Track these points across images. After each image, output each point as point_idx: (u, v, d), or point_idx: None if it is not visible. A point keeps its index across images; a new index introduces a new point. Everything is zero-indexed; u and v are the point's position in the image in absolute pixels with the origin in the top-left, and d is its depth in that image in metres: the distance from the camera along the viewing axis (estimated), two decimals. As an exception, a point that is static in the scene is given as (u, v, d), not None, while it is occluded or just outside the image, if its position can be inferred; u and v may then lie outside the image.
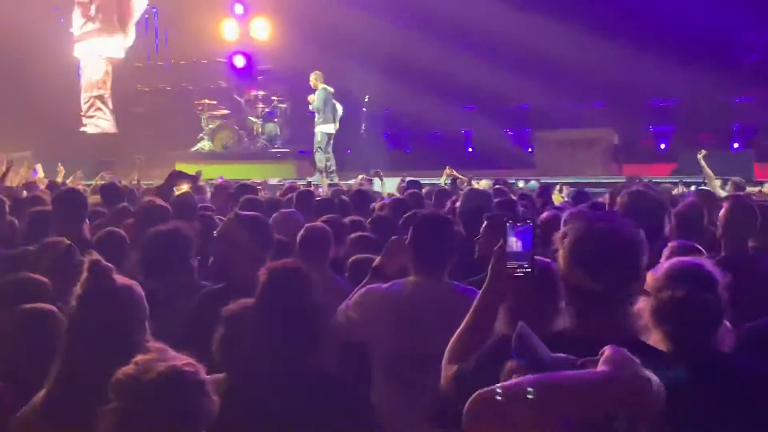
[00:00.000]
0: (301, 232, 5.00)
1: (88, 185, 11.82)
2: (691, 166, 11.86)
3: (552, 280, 2.77)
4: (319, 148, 17.25)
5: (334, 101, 17.39)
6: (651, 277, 2.74)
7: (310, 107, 17.46)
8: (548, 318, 2.81)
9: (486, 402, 1.90)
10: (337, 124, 17.54)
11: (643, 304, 2.68)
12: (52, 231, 5.47)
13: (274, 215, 5.81)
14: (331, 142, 17.45)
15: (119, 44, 22.64)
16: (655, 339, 2.66)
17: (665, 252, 4.03)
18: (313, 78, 17.32)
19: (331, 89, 17.32)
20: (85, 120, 22.39)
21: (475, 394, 1.93)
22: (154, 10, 22.40)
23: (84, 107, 22.44)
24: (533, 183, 12.61)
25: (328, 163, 17.23)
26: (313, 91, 17.41)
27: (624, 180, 11.09)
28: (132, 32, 22.71)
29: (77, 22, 22.42)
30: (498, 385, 1.91)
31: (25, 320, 3.34)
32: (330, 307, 3.89)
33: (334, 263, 5.06)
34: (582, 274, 2.51)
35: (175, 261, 4.48)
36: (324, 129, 17.30)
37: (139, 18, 22.78)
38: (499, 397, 1.87)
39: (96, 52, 22.56)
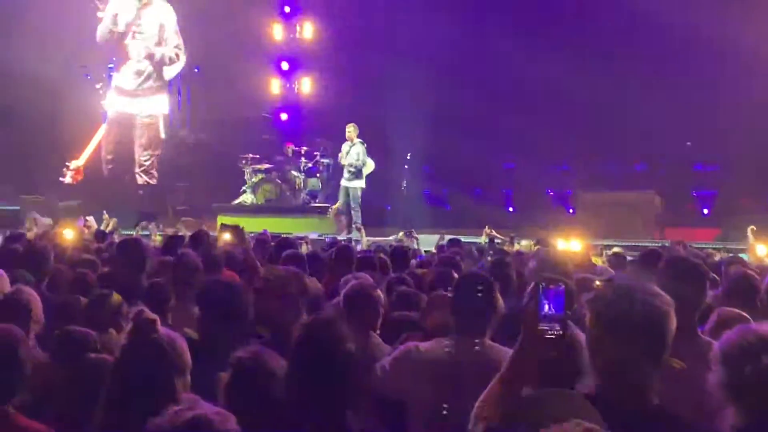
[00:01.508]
0: (348, 290, 4.91)
1: (128, 235, 12.01)
2: (734, 231, 11.73)
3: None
4: (358, 204, 17.36)
5: (367, 156, 17.56)
6: (720, 349, 2.72)
7: (346, 160, 17.49)
8: (571, 379, 2.80)
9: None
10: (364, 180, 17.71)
11: (713, 378, 2.65)
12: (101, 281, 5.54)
13: (344, 278, 5.76)
14: None
15: (165, 101, 23.11)
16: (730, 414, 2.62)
17: (712, 319, 4.00)
18: (353, 130, 17.37)
19: (365, 143, 17.47)
20: (144, 176, 22.76)
21: None
22: (196, 70, 22.85)
23: (146, 163, 22.81)
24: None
25: (359, 220, 17.35)
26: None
27: (662, 244, 11.00)
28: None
29: (128, 78, 22.88)
30: None
31: (74, 370, 3.40)
32: (370, 365, 3.91)
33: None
34: (609, 342, 2.51)
35: (231, 312, 4.50)
36: (361, 184, 17.43)
37: (185, 74, 23.21)
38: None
39: (149, 110, 23.00)
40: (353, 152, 17.26)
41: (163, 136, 22.92)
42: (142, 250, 6.06)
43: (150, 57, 22.73)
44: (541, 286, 2.65)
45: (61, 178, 21.97)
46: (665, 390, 2.63)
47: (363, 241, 13.83)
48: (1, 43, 19.91)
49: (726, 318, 3.98)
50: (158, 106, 23.01)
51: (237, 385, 3.20)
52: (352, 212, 17.40)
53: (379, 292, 4.99)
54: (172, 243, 7.85)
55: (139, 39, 22.73)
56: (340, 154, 17.74)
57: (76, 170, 22.32)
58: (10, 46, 19.88)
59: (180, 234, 10.40)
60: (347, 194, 17.50)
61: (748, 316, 4.01)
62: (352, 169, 17.32)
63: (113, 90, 22.83)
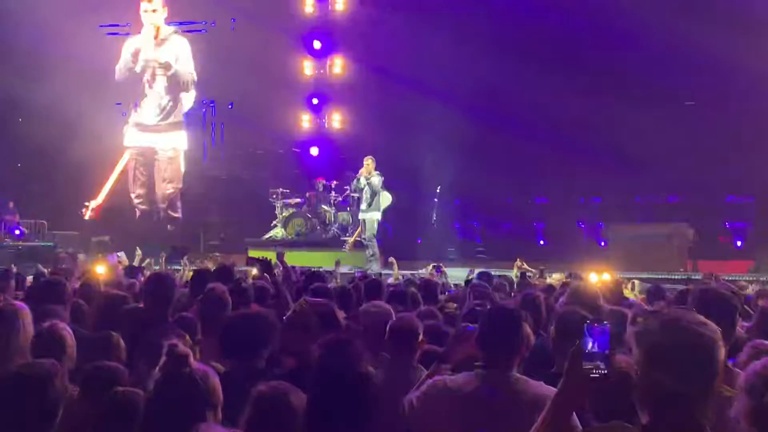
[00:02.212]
0: (391, 322, 4.97)
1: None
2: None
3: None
4: (374, 235, 17.47)
5: (384, 190, 17.64)
6: (744, 378, 2.70)
7: (354, 191, 17.70)
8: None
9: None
10: (381, 212, 17.77)
11: (737, 407, 2.64)
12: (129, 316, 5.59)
13: (363, 306, 5.79)
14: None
15: (184, 136, 23.41)
16: None
17: (746, 351, 3.96)
18: (370, 162, 17.49)
19: (382, 176, 17.55)
20: (169, 210, 22.99)
21: None
22: (230, 106, 23.11)
23: (170, 197, 23.06)
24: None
25: (376, 252, 17.42)
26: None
27: (699, 277, 10.91)
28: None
29: (149, 114, 23.20)
30: None
31: (104, 405, 3.42)
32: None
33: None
34: (660, 374, 2.50)
35: (253, 345, 4.53)
36: (377, 216, 17.52)
37: (218, 110, 23.53)
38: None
39: (171, 144, 23.28)
40: (371, 185, 17.37)
41: (182, 170, 23.17)
42: (170, 284, 6.10)
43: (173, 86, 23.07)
44: (586, 324, 2.65)
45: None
46: (718, 418, 2.61)
47: (394, 273, 13.86)
48: (33, 83, 20.32)
49: (760, 350, 3.94)
50: (178, 141, 23.27)
51: (257, 419, 3.22)
52: (368, 245, 17.50)
53: (416, 319, 5.02)
54: (199, 278, 7.90)
55: (158, 74, 23.05)
56: (352, 184, 17.90)
57: (94, 209, 22.63)
58: (43, 85, 20.29)
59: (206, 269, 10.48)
60: (364, 226, 17.67)
61: None
62: (370, 202, 17.41)
63: (134, 126, 23.16)
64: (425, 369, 4.67)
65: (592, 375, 2.60)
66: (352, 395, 3.12)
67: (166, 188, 23.08)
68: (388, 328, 4.88)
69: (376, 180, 17.35)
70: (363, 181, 17.49)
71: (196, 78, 23.18)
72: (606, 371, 2.59)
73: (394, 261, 14.60)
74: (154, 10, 23.11)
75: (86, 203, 22.61)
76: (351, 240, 18.56)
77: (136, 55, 23.06)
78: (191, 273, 11.88)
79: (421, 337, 4.81)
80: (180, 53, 23.13)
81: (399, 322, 4.93)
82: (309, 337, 4.20)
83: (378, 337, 4.85)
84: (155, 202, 23.12)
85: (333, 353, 3.23)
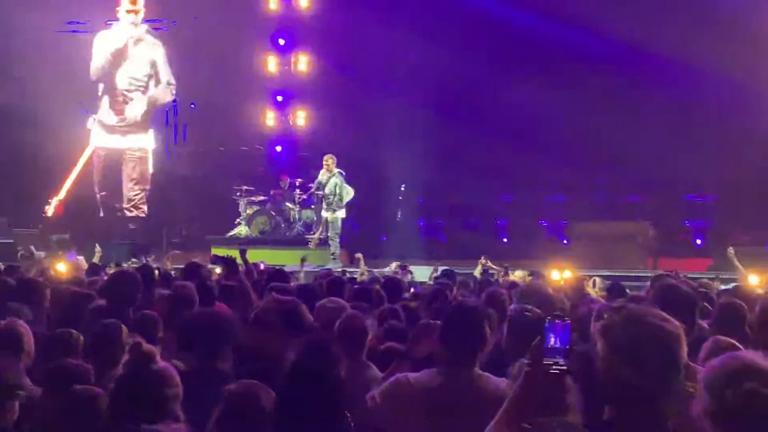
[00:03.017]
0: (339, 321, 5.00)
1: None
2: (726, 261, 11.78)
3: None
4: (337, 234, 17.48)
5: (346, 185, 17.65)
6: (704, 374, 2.73)
7: (317, 189, 17.71)
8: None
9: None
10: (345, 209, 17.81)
11: (698, 404, 2.66)
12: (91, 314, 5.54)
13: (319, 303, 5.82)
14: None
15: (152, 136, 23.24)
16: None
17: (706, 347, 4.02)
18: (331, 161, 17.50)
19: (344, 173, 17.55)
20: (133, 210, 22.80)
21: None
22: (192, 106, 22.98)
23: (136, 198, 22.87)
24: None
25: (337, 250, 17.45)
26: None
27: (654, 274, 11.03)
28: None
29: (117, 114, 23.01)
30: None
31: (70, 403, 3.40)
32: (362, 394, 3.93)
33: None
34: (623, 369, 2.52)
35: (212, 343, 4.52)
36: (341, 215, 17.53)
37: (180, 109, 23.38)
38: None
39: (139, 144, 23.10)
40: (331, 183, 17.37)
41: (151, 170, 22.99)
42: (134, 283, 6.07)
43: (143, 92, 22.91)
44: (547, 320, 2.67)
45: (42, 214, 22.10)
46: (681, 415, 2.63)
47: (361, 269, 13.86)
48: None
49: (719, 347, 4.00)
50: (147, 141, 23.08)
51: (227, 417, 3.21)
52: (330, 242, 17.51)
53: (364, 318, 5.05)
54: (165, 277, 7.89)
55: (130, 75, 22.87)
56: (315, 183, 17.90)
57: (57, 205, 22.41)
58: (2, 83, 20.05)
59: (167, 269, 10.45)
60: (327, 224, 17.66)
61: (740, 346, 4.03)
62: (331, 200, 17.41)
63: (101, 126, 22.92)
64: (375, 366, 4.71)
65: (552, 370, 2.62)
66: (327, 398, 3.11)
67: (133, 189, 22.86)
68: (336, 327, 4.91)
69: (337, 179, 17.33)
70: (324, 180, 17.51)
71: (173, 82, 22.98)
72: (566, 367, 2.61)
73: (361, 257, 14.61)
74: (136, 11, 22.91)
75: (50, 200, 22.37)
76: (315, 237, 18.51)
77: (116, 55, 22.82)
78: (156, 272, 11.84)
79: (370, 335, 4.85)
80: (157, 58, 22.92)
81: (347, 320, 4.97)
82: (272, 335, 4.19)
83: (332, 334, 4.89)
84: (121, 202, 22.89)
85: (311, 355, 3.21)
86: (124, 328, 4.72)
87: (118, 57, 22.87)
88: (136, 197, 22.85)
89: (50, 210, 22.26)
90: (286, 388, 3.17)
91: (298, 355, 3.24)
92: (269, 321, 4.28)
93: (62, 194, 22.66)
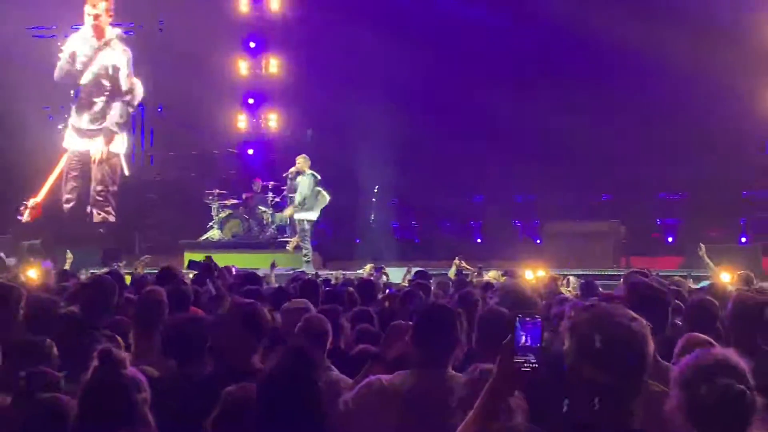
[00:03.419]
0: (300, 322, 4.99)
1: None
2: (698, 259, 11.87)
3: None
4: (306, 236, 17.38)
5: (319, 189, 17.54)
6: (678, 371, 2.74)
7: (290, 189, 17.64)
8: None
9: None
10: (319, 213, 17.69)
11: (671, 401, 2.67)
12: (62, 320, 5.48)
13: (284, 305, 5.82)
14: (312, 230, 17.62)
15: (123, 139, 23.04)
16: None
17: (680, 344, 4.03)
18: (302, 161, 17.27)
19: (318, 176, 17.50)
20: (98, 210, 22.59)
21: None
22: (159, 109, 22.85)
23: (99, 198, 22.65)
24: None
25: (309, 253, 17.38)
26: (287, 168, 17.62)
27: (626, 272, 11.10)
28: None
29: (85, 118, 22.82)
30: None
31: (37, 410, 3.36)
32: (329, 399, 3.92)
33: (334, 354, 5.05)
34: (590, 368, 2.52)
35: (189, 348, 4.49)
36: (309, 216, 17.40)
37: (148, 113, 23.23)
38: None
39: (118, 149, 22.92)
40: (300, 184, 17.26)
41: (127, 173, 22.80)
42: (110, 290, 6.01)
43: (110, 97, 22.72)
44: (518, 318, 2.67)
45: (18, 217, 21.82)
46: (647, 413, 2.64)
47: (308, 267, 13.79)
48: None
49: (693, 343, 4.01)
50: (116, 145, 22.86)
51: (225, 420, 3.20)
52: (300, 244, 17.42)
53: (325, 319, 5.03)
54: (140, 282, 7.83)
55: (96, 79, 22.70)
56: (287, 185, 17.83)
57: (34, 207, 22.17)
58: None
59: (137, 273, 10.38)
60: (294, 224, 17.59)
61: (714, 342, 4.04)
62: (297, 201, 17.34)
63: (72, 129, 22.74)
64: (349, 369, 4.69)
65: (523, 369, 2.62)
66: (307, 403, 3.09)
67: (95, 188, 22.67)
68: (297, 329, 4.90)
69: (306, 180, 17.21)
70: (291, 177, 17.40)
71: (134, 91, 22.78)
72: (537, 365, 2.61)
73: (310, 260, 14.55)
74: (97, 15, 22.70)
75: (24, 202, 22.13)
76: (293, 241, 18.41)
77: (73, 56, 22.63)
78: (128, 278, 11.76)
79: (330, 336, 4.84)
80: (121, 65, 22.75)
81: (307, 322, 4.95)
82: (235, 338, 4.19)
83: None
84: (88, 205, 22.70)
85: (290, 361, 3.18)
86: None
87: (85, 61, 22.68)
88: (100, 198, 22.61)
89: (25, 215, 22.05)
90: (264, 395, 3.14)
91: (277, 360, 3.21)
92: (230, 325, 4.28)
93: (39, 199, 22.44)
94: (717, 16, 17.59)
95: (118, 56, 22.80)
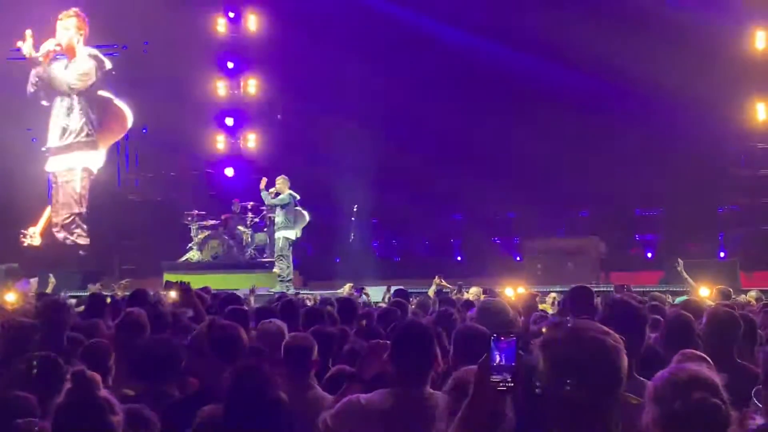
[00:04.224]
0: (285, 340, 5.00)
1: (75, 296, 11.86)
2: (677, 274, 11.96)
3: None
4: (282, 255, 17.34)
5: (299, 208, 17.54)
6: (652, 386, 2.75)
7: (267, 202, 17.61)
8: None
9: None
10: (299, 232, 17.66)
11: (647, 416, 2.68)
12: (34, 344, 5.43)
13: (260, 324, 5.82)
14: (291, 248, 17.60)
15: (100, 157, 22.88)
16: None
17: (676, 359, 4.04)
18: (281, 182, 17.28)
19: (297, 195, 17.45)
20: (66, 234, 22.39)
21: None
22: (144, 131, 22.82)
23: (66, 222, 22.46)
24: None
25: (288, 271, 17.32)
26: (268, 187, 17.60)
27: (612, 289, 11.15)
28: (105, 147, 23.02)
29: (55, 136, 22.70)
30: None
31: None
32: (311, 417, 3.90)
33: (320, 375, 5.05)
34: (564, 382, 2.53)
35: (160, 371, 4.47)
36: (287, 234, 17.39)
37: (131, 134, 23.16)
38: None
39: (67, 166, 22.72)
40: (279, 200, 17.26)
41: (77, 190, 22.54)
42: (60, 310, 6.01)
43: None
44: (492, 337, 2.67)
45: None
46: (625, 427, 2.64)
47: (281, 287, 13.74)
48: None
49: (689, 357, 4.02)
50: (78, 161, 22.66)
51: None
52: (276, 262, 17.39)
53: (310, 337, 5.03)
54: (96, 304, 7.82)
55: (64, 94, 22.61)
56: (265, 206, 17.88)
57: (32, 236, 22.10)
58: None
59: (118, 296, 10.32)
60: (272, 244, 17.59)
61: (707, 357, 4.05)
62: (275, 218, 17.28)
63: (48, 151, 22.65)
64: (319, 387, 4.69)
65: (499, 388, 2.62)
66: (264, 421, 3.10)
67: (60, 215, 22.48)
68: (282, 347, 4.90)
69: (281, 197, 17.19)
70: (268, 199, 17.41)
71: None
72: (513, 384, 2.61)
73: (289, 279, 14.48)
74: (66, 28, 22.62)
75: (23, 231, 22.03)
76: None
77: (38, 74, 22.58)
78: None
79: (315, 355, 4.84)
80: (88, 68, 22.64)
81: (293, 340, 4.96)
82: (208, 360, 4.19)
83: (273, 354, 4.87)
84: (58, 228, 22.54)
85: (244, 379, 3.20)
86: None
87: (53, 76, 22.59)
88: (66, 221, 22.43)
89: (27, 241, 21.98)
90: (225, 415, 3.15)
91: (230, 380, 3.22)
92: (202, 346, 4.28)
93: (39, 227, 22.35)
94: (692, 32, 17.75)
95: (86, 66, 22.64)
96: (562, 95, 19.24)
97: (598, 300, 7.10)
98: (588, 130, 18.90)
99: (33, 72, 22.55)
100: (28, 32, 22.20)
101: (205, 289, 9.82)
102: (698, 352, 4.23)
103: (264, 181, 17.42)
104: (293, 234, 17.47)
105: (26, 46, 22.27)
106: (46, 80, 22.57)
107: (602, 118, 19.12)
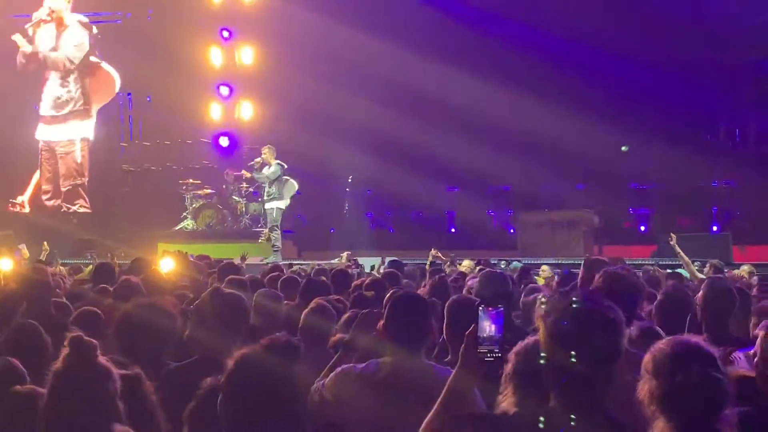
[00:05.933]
0: (305, 312, 5.05)
1: (65, 264, 11.87)
2: (670, 248, 11.98)
3: None
4: (276, 226, 17.32)
5: (287, 177, 17.48)
6: (651, 359, 2.76)
7: (257, 176, 17.55)
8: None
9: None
10: (288, 201, 17.63)
11: (643, 389, 2.69)
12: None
13: (255, 294, 5.83)
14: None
15: (91, 126, 22.74)
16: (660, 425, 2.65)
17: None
18: (267, 152, 17.24)
19: (284, 165, 17.39)
20: (69, 205, 22.34)
21: None
22: (129, 96, 22.70)
23: (67, 191, 22.40)
24: (515, 263, 12.64)
25: (278, 243, 17.33)
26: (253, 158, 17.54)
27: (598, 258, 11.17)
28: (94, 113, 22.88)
29: (49, 105, 22.57)
30: None
31: (10, 402, 3.33)
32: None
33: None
34: (563, 356, 2.54)
35: (151, 337, 4.43)
36: (279, 205, 17.36)
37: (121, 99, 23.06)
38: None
39: (67, 136, 22.60)
40: (266, 173, 17.20)
41: (78, 160, 22.46)
42: (46, 278, 6.01)
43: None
44: (480, 308, 2.66)
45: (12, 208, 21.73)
46: (620, 401, 2.66)
47: (276, 257, 13.69)
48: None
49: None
50: (77, 131, 22.55)
51: (202, 412, 3.15)
52: (270, 233, 17.36)
53: (331, 308, 5.08)
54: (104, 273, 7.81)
55: (57, 64, 22.44)
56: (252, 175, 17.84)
57: (22, 204, 22.04)
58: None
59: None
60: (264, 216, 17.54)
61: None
62: (266, 188, 17.31)
63: (41, 119, 22.52)
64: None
65: (486, 359, 2.62)
66: (276, 397, 3.02)
67: (63, 185, 22.39)
68: (302, 319, 4.94)
69: (273, 169, 17.14)
70: (258, 169, 17.33)
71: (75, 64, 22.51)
72: (500, 354, 2.62)
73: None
74: (57, 4, 22.40)
75: (12, 200, 21.98)
76: (267, 231, 18.35)
77: (32, 42, 22.40)
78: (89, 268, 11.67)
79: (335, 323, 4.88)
80: (76, 42, 22.46)
81: (318, 305, 5.12)
82: (211, 327, 4.16)
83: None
84: (59, 197, 22.47)
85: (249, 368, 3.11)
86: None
87: (44, 47, 22.40)
88: (70, 191, 22.37)
89: (18, 208, 21.92)
90: (231, 391, 3.06)
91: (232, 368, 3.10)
92: (209, 314, 4.24)
93: (26, 195, 22.30)
94: (683, 9, 17.71)
95: (79, 36, 22.46)
96: (559, 68, 19.18)
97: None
98: (585, 102, 18.83)
99: (23, 41, 22.33)
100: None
101: (203, 257, 9.83)
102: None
103: (258, 161, 17.33)
104: (284, 204, 17.44)
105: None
106: (38, 54, 22.37)
107: (597, 93, 19.07)
